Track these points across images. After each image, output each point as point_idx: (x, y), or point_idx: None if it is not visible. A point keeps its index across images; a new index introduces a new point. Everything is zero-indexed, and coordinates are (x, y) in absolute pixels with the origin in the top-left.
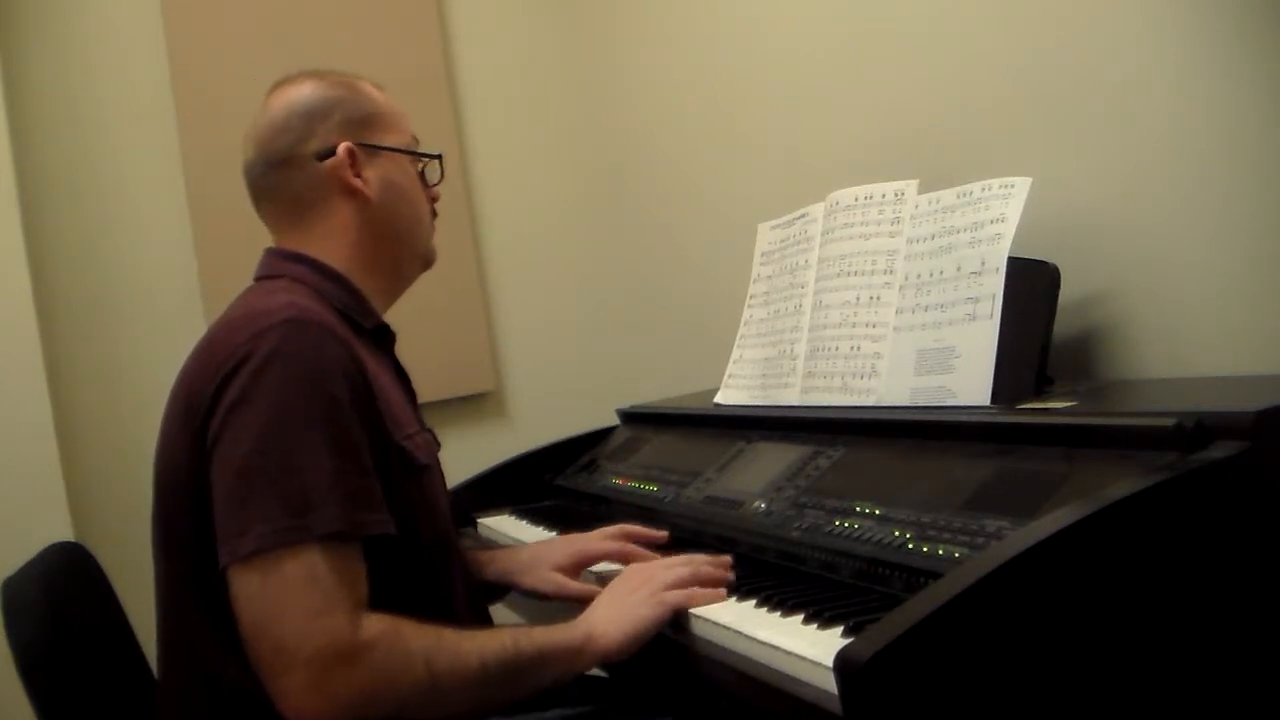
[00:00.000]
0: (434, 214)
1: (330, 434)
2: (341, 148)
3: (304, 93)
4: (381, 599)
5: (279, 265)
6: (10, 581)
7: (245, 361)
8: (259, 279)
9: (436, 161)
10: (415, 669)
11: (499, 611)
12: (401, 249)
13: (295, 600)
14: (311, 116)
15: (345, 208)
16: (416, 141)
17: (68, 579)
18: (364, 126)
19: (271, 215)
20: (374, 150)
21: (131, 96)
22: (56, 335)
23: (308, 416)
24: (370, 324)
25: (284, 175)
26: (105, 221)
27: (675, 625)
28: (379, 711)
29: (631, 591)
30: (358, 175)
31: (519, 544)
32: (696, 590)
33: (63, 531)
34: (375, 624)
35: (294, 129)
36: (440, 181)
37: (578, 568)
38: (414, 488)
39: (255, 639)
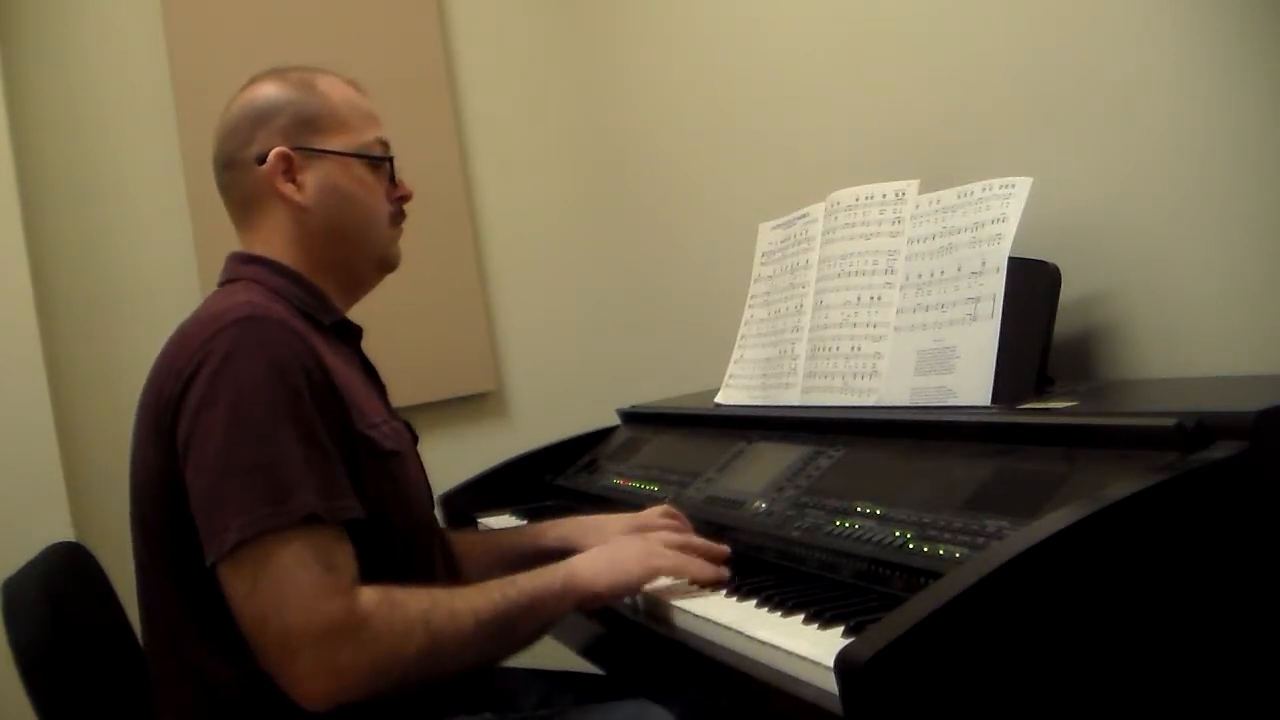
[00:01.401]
0: (400, 216)
1: (294, 424)
2: (273, 153)
3: (258, 94)
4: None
5: (237, 269)
6: (10, 581)
7: (204, 363)
8: (220, 284)
9: (387, 164)
10: (416, 633)
11: None
12: (348, 252)
13: (291, 587)
14: (257, 120)
15: (283, 211)
16: (381, 145)
17: (68, 579)
18: (308, 129)
19: (229, 213)
20: (315, 153)
21: (131, 96)
22: (56, 335)
23: (270, 410)
24: (329, 320)
25: (231, 177)
26: (105, 222)
27: (677, 624)
28: (389, 679)
29: (624, 547)
30: (292, 180)
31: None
32: (682, 565)
33: (63, 531)
34: (370, 597)
35: (240, 132)
36: (397, 183)
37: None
38: (382, 474)
39: (258, 630)
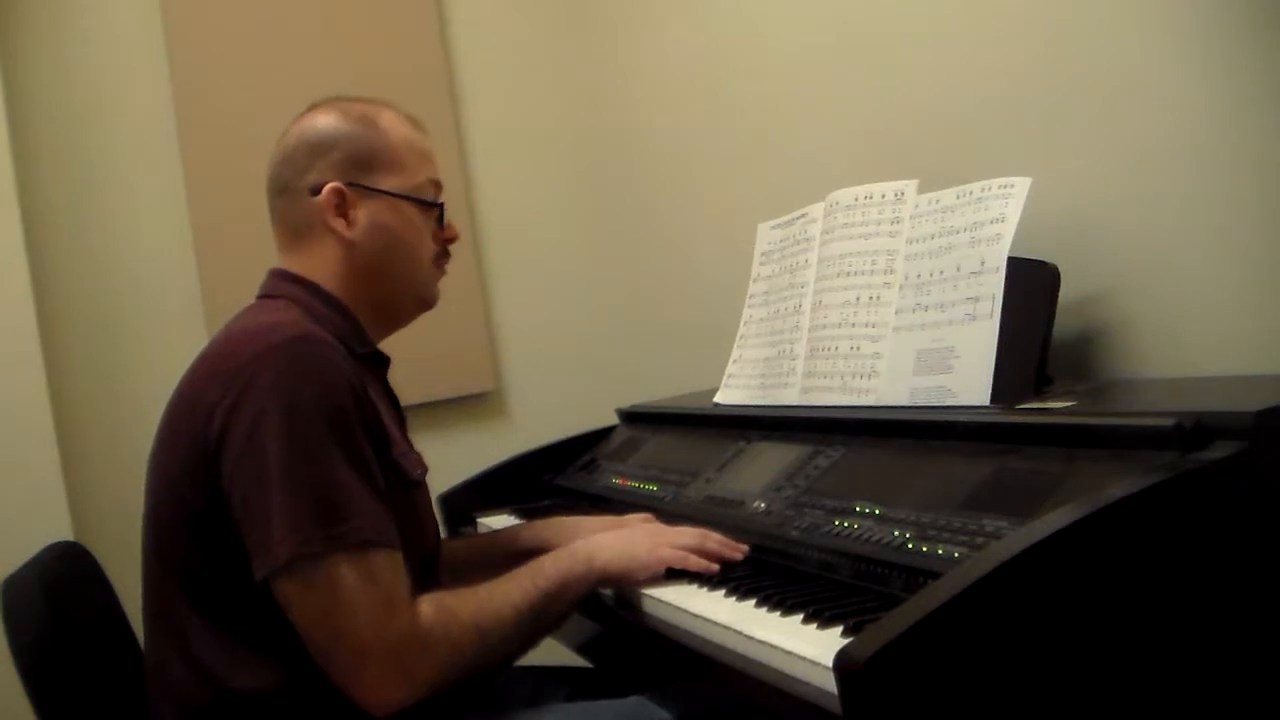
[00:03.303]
0: (444, 256)
1: (345, 448)
2: (327, 188)
3: (318, 124)
4: None
5: (279, 285)
6: (10, 581)
7: (256, 379)
8: (260, 296)
9: (437, 209)
10: (470, 636)
11: None
12: (390, 289)
13: (359, 605)
14: (314, 150)
15: (331, 244)
16: (434, 186)
17: (68, 579)
18: (363, 166)
19: (276, 235)
20: (368, 191)
21: (131, 96)
22: (56, 335)
23: (324, 431)
24: (362, 350)
25: (284, 203)
26: (105, 222)
27: (675, 622)
28: (449, 680)
29: (636, 535)
30: (343, 215)
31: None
32: (691, 555)
33: (63, 531)
34: (428, 608)
35: (296, 160)
36: (445, 225)
37: None
38: (406, 502)
39: (329, 642)
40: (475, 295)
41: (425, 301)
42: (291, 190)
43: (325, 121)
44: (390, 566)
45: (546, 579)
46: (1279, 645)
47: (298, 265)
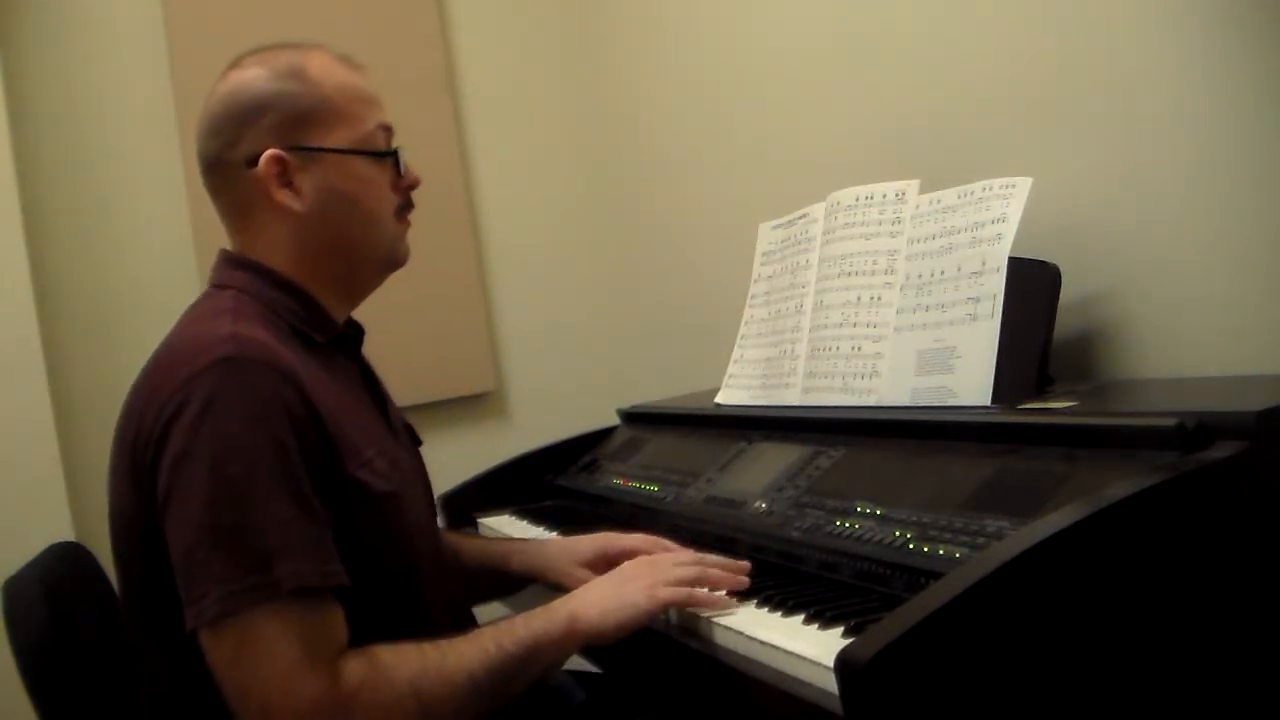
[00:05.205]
0: (408, 206)
1: (279, 482)
2: (265, 157)
3: (243, 86)
4: (357, 631)
5: (229, 274)
6: (11, 582)
7: (184, 407)
8: (211, 285)
9: (391, 157)
10: (405, 703)
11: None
12: (351, 259)
13: (272, 662)
14: (243, 118)
15: (278, 219)
16: (383, 131)
17: (68, 579)
18: (301, 126)
19: (218, 212)
20: (312, 153)
21: (131, 96)
22: (57, 335)
23: (254, 467)
24: (324, 338)
25: (219, 180)
26: (105, 221)
27: (674, 623)
28: None
29: (631, 579)
30: (289, 184)
31: (543, 538)
32: (695, 591)
33: (63, 531)
34: (356, 669)
35: (225, 131)
36: (403, 172)
37: (604, 561)
38: (373, 518)
39: (240, 703)
40: (475, 295)
41: (392, 263)
42: (225, 164)
43: (250, 82)
44: (319, 617)
45: (515, 642)
46: (1279, 645)
47: (247, 246)
